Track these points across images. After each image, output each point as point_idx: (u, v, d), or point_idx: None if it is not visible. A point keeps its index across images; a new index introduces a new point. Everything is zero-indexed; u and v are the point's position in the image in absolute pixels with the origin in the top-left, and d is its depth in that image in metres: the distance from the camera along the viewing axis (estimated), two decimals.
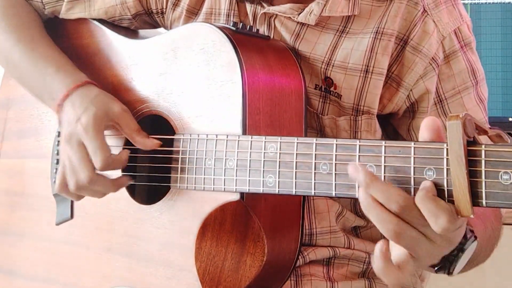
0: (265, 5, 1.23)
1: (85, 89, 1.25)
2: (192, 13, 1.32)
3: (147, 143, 1.19)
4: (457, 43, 1.22)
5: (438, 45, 1.20)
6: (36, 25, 1.41)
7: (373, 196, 0.89)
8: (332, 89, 1.21)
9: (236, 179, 1.06)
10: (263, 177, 1.03)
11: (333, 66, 1.20)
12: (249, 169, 1.05)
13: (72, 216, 1.33)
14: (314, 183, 0.98)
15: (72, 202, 1.33)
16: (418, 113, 1.22)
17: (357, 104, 1.21)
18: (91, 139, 1.17)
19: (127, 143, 1.24)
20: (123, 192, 1.24)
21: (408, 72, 1.20)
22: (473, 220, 0.90)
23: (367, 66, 1.19)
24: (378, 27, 1.19)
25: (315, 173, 0.98)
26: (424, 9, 1.20)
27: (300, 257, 1.20)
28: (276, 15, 1.23)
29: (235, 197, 1.08)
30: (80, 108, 1.21)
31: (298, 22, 1.22)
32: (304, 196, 1.13)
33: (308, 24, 1.22)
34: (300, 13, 1.21)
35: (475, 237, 0.96)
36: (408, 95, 1.21)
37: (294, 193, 1.00)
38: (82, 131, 1.18)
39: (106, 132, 1.21)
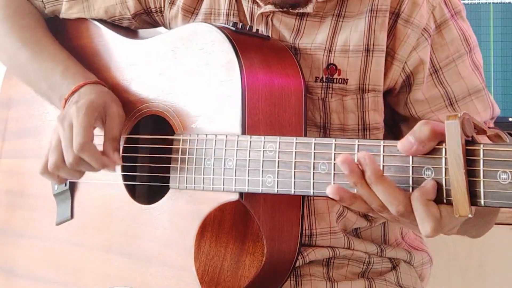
0: (261, 4, 1.24)
1: (94, 85, 1.26)
2: (189, 12, 1.32)
3: (112, 156, 1.19)
4: (447, 12, 1.22)
5: (429, 15, 1.20)
6: (40, 26, 1.41)
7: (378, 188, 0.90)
8: (336, 76, 1.21)
9: (235, 179, 1.06)
10: (262, 177, 1.03)
11: (335, 51, 1.21)
12: (248, 169, 1.05)
13: (72, 216, 1.33)
14: (313, 182, 0.98)
15: (72, 202, 1.33)
16: (415, 85, 1.22)
17: (362, 84, 1.21)
18: (80, 120, 1.18)
19: (127, 142, 1.25)
20: (123, 191, 1.24)
21: (401, 45, 1.20)
22: None
23: (367, 45, 1.20)
24: (372, 5, 1.20)
25: (314, 173, 0.98)
26: None
27: (299, 257, 1.20)
28: (273, 12, 1.23)
29: (234, 197, 1.08)
30: (82, 95, 1.23)
31: (296, 15, 1.22)
32: (303, 196, 1.13)
33: (307, 15, 1.22)
34: None
35: None
36: (403, 68, 1.21)
37: (293, 192, 1.00)
38: (75, 112, 1.19)
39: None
